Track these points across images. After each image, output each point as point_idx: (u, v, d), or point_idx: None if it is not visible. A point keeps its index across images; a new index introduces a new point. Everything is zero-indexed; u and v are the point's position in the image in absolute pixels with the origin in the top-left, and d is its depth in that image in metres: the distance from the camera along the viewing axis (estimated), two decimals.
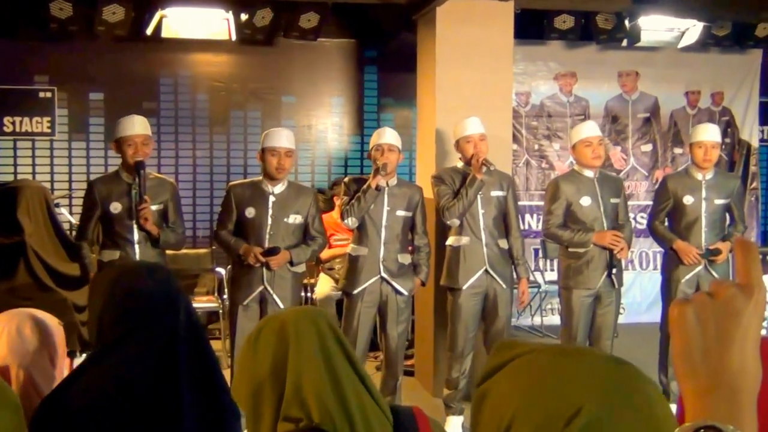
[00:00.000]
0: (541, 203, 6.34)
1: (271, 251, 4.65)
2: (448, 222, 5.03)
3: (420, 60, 6.27)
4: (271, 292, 4.70)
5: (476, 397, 0.90)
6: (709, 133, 5.30)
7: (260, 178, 4.87)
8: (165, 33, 6.84)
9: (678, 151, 8.35)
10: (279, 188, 4.77)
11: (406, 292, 4.94)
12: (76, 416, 1.72)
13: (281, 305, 4.69)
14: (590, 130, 5.16)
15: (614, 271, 5.07)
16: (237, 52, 7.83)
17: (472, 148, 4.94)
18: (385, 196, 4.88)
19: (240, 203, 4.75)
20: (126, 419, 1.73)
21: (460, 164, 5.08)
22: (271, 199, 4.74)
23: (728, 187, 5.41)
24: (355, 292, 4.88)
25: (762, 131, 8.87)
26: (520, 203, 6.36)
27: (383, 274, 4.88)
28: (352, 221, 4.84)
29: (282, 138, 4.73)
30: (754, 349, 0.80)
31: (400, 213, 4.93)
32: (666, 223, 5.45)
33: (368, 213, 4.85)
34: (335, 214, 7.13)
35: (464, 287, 5.02)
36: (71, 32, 6.77)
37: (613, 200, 5.19)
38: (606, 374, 0.85)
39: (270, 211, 4.72)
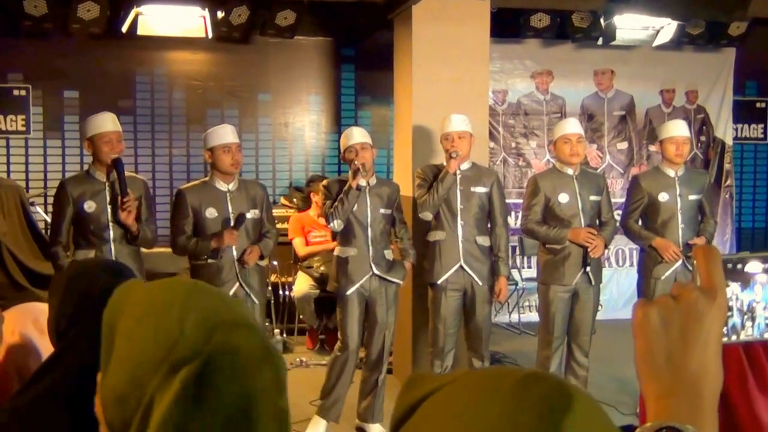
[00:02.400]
0: (519, 201, 6.37)
1: (238, 220, 4.62)
2: (421, 215, 5.06)
3: (396, 58, 6.27)
4: (246, 288, 4.70)
5: None
6: (680, 129, 5.35)
7: (207, 178, 4.83)
8: (141, 31, 6.79)
9: (653, 148, 8.40)
10: (233, 185, 4.75)
11: (400, 281, 5.00)
12: (34, 418, 1.70)
13: (256, 301, 4.72)
14: (570, 127, 5.18)
15: (588, 268, 5.10)
16: (213, 49, 7.80)
17: (449, 144, 4.96)
18: (368, 196, 4.89)
19: (197, 206, 4.68)
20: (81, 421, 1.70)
21: None
22: (229, 196, 4.72)
23: (699, 183, 5.47)
24: (349, 292, 4.89)
25: (736, 129, 8.96)
26: None
27: (375, 271, 4.90)
28: (338, 223, 4.82)
29: (229, 134, 4.73)
30: (716, 352, 0.82)
31: (382, 211, 4.95)
32: (639, 222, 5.47)
33: (353, 214, 4.85)
34: (312, 211, 7.13)
35: (440, 282, 5.03)
36: (46, 30, 6.71)
37: (593, 198, 5.20)
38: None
39: (230, 209, 4.70)
